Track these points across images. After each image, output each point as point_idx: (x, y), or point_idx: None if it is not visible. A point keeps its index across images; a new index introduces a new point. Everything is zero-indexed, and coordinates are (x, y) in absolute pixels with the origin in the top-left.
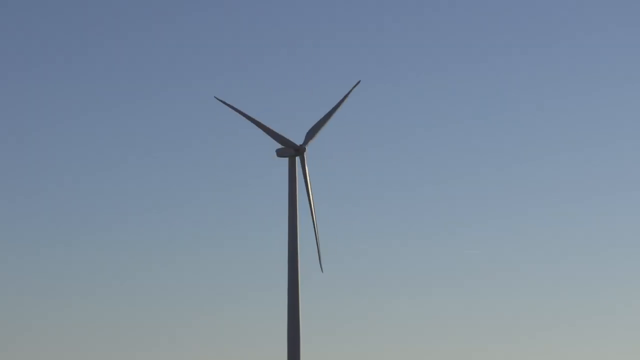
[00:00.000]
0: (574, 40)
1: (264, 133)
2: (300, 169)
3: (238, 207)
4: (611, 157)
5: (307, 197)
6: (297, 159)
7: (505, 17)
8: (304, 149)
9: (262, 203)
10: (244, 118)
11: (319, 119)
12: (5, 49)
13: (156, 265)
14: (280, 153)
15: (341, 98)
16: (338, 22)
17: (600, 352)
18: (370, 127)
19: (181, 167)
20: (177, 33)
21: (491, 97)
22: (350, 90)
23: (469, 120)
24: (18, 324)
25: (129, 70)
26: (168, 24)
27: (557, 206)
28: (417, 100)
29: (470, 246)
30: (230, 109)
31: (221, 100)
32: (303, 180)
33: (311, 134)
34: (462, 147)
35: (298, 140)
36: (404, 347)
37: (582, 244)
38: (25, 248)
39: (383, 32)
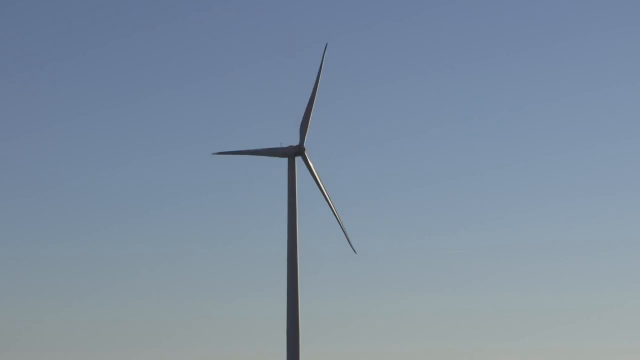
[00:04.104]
0: (574, 41)
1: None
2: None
3: (238, 207)
4: (611, 157)
5: (320, 191)
6: (298, 158)
7: (506, 17)
8: (304, 149)
9: (262, 203)
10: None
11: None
12: (5, 49)
13: (156, 265)
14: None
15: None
16: (336, 21)
17: (601, 352)
18: (369, 127)
19: (181, 168)
20: (177, 34)
21: (491, 97)
22: (322, 59)
23: (469, 120)
24: (18, 324)
25: (130, 70)
26: (167, 25)
27: (556, 206)
28: (417, 100)
29: (470, 246)
30: (231, 154)
31: (220, 153)
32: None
33: (303, 127)
34: (461, 147)
35: (295, 139)
36: (404, 347)
37: (582, 243)
38: (25, 248)
39: (383, 31)
